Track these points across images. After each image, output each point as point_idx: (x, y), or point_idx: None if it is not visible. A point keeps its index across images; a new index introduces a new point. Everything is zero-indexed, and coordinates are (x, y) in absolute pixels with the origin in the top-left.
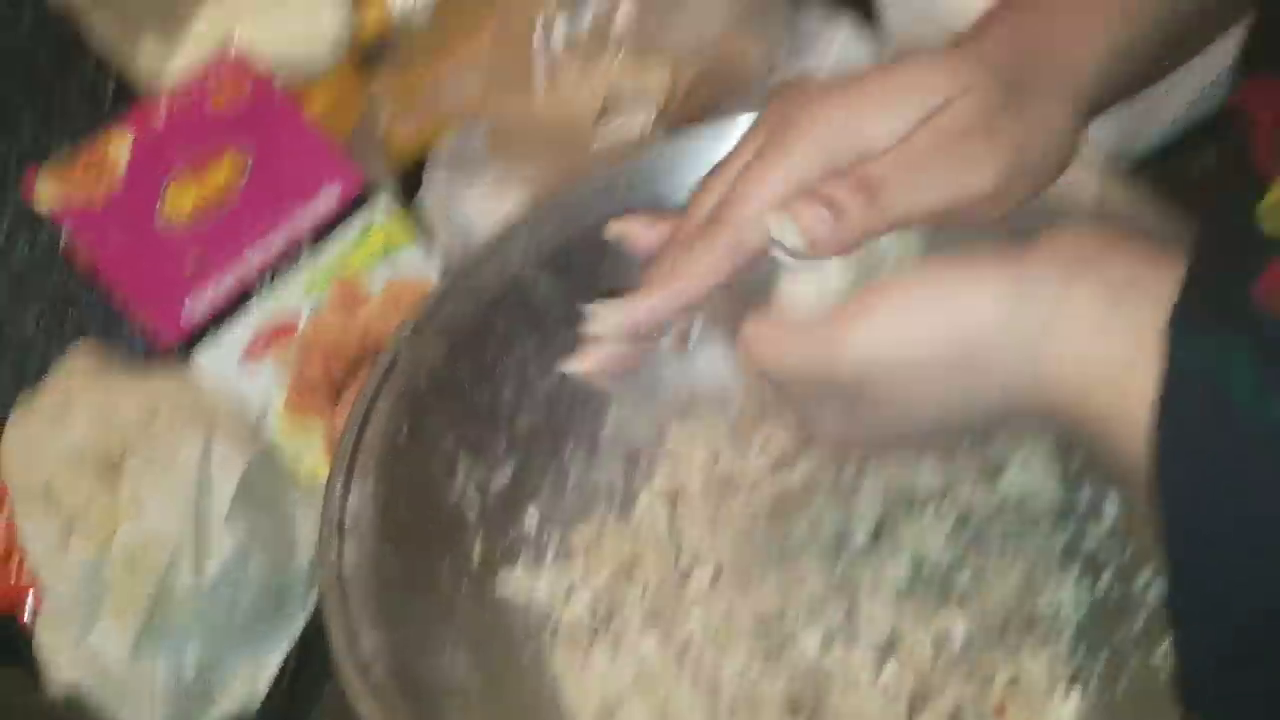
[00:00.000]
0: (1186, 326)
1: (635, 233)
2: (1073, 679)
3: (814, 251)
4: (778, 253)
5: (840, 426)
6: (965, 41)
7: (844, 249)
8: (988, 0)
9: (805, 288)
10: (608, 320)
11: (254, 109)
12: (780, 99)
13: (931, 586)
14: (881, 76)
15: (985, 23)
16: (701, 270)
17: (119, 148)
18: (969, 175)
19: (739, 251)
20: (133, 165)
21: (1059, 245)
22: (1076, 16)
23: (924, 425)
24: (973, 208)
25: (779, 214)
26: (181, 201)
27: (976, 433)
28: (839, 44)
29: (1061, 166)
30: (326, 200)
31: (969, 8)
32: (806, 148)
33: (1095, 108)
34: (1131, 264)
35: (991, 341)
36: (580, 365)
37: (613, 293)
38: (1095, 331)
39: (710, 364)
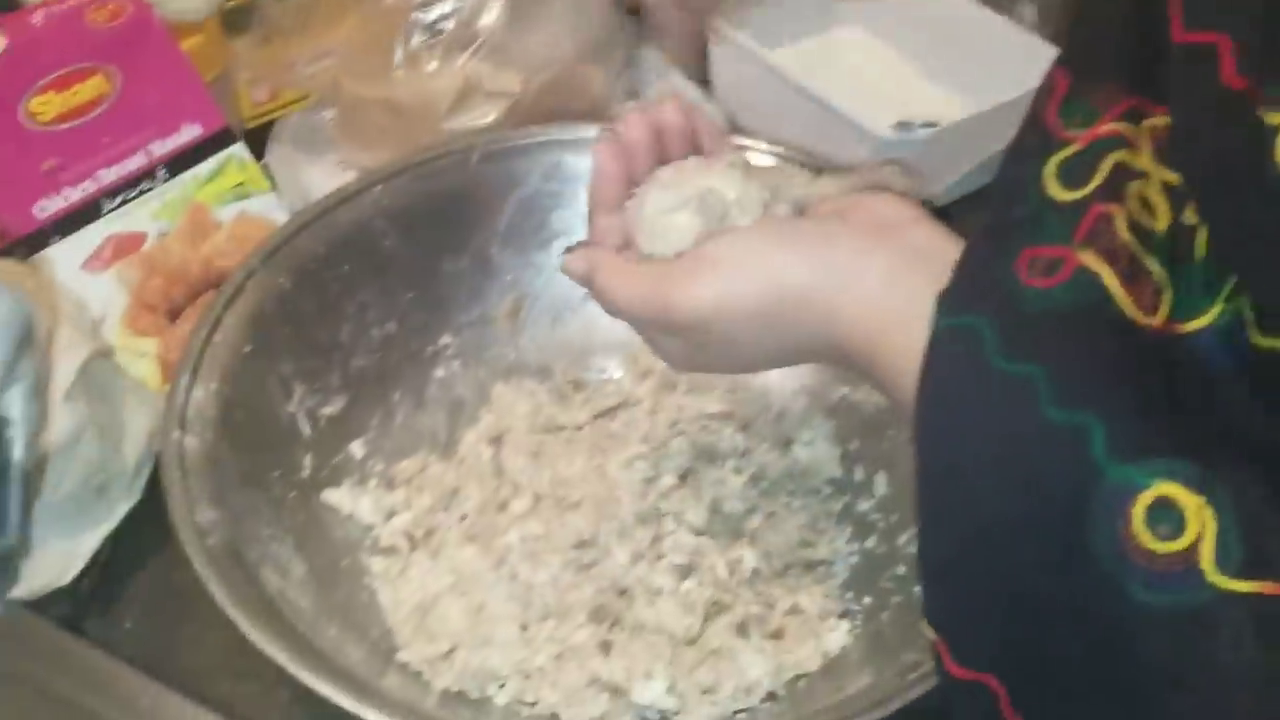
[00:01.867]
0: (953, 298)
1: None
2: (842, 614)
3: None
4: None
5: (681, 357)
6: None
7: None
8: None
9: (668, 222)
10: None
11: (131, 33)
12: None
13: (727, 525)
14: None
15: None
16: None
17: None
18: None
19: None
20: (3, 61)
21: (870, 212)
22: None
23: (747, 361)
24: None
25: None
26: (47, 107)
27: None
28: (669, 90)
29: None
30: (188, 133)
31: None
32: None
33: None
34: (925, 236)
35: (799, 301)
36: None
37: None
38: (883, 292)
39: (535, 340)
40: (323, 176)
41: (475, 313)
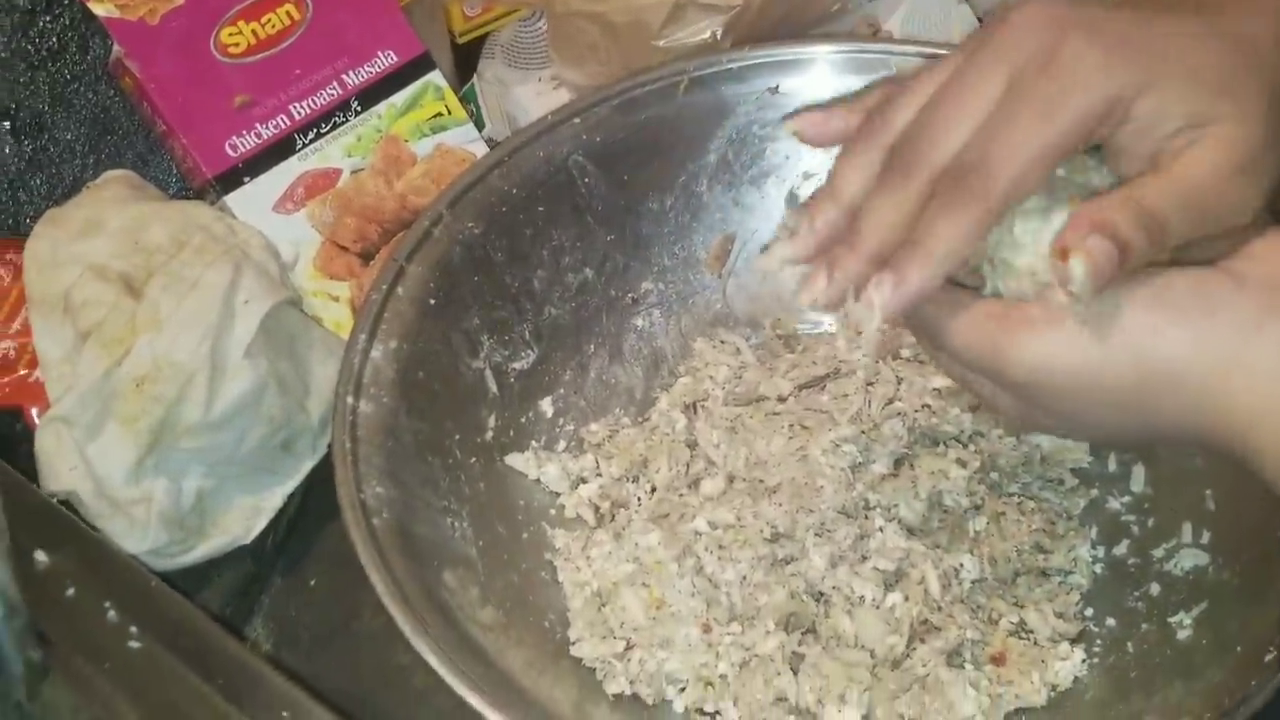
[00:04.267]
0: None
1: (812, 125)
2: (1077, 637)
3: (1098, 290)
4: (1048, 293)
5: (1015, 415)
6: (1241, 47)
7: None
8: None
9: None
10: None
11: None
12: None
13: (946, 525)
14: (1164, 44)
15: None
16: (955, 245)
17: None
18: (1232, 218)
19: (987, 223)
20: None
21: (1267, 263)
22: None
23: (1091, 434)
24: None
25: (1073, 255)
26: (237, 38)
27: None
28: None
29: None
30: (382, 61)
31: None
32: (1062, 120)
33: None
34: None
35: (1169, 383)
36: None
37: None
38: (1272, 381)
39: (742, 289)
40: (532, 95)
41: (680, 256)
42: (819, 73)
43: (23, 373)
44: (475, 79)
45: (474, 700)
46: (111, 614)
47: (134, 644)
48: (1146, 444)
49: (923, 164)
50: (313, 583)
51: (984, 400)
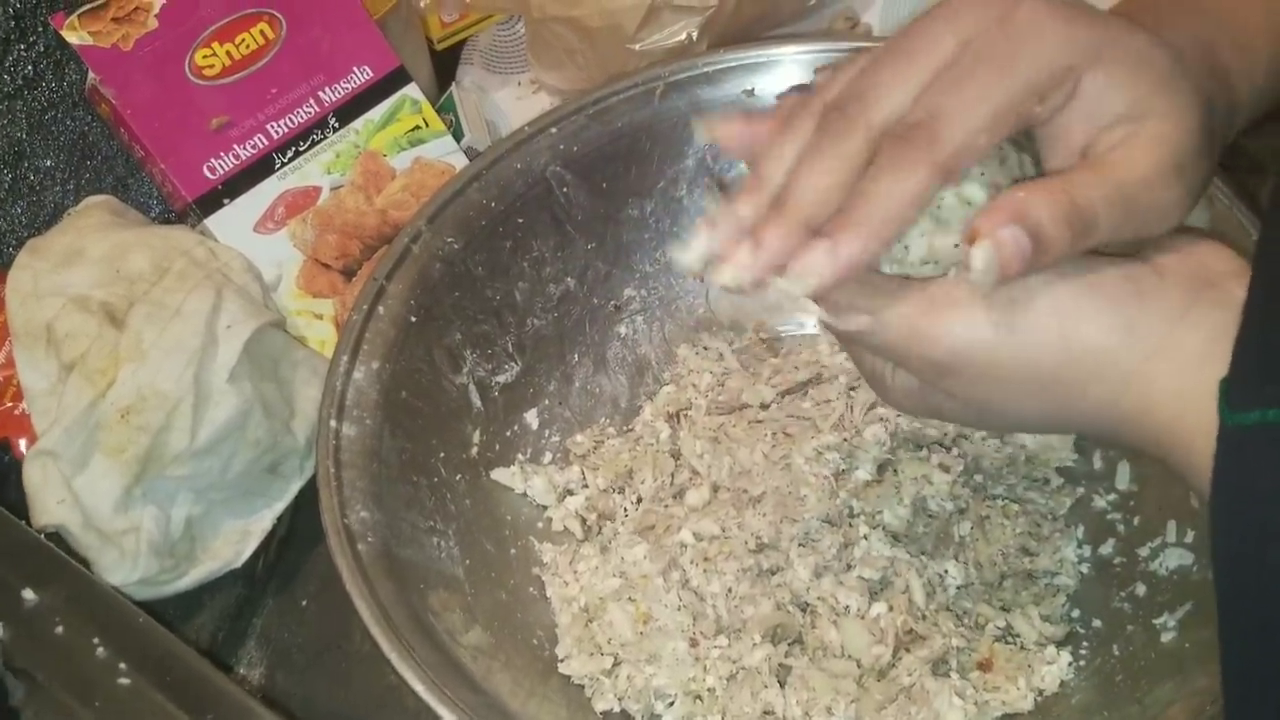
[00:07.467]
0: (1244, 385)
1: (730, 132)
2: (1064, 640)
3: (1002, 281)
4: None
5: (910, 399)
6: (1180, 56)
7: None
8: None
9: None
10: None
11: None
12: None
13: (930, 530)
14: (1116, 29)
15: (1173, 22)
16: (899, 207)
17: None
18: (1157, 223)
19: (935, 184)
20: (166, 14)
21: (1187, 258)
22: (1238, 38)
23: (996, 420)
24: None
25: (980, 243)
26: (212, 60)
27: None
28: None
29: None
30: (357, 78)
31: None
32: (1018, 77)
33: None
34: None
35: (1094, 366)
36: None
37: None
38: (1201, 365)
39: (724, 294)
40: (512, 99)
41: (661, 262)
42: (792, 73)
43: (8, 405)
44: (453, 86)
45: None
46: (100, 650)
47: (123, 680)
48: (1053, 432)
49: (859, 122)
50: (304, 603)
51: (871, 376)
